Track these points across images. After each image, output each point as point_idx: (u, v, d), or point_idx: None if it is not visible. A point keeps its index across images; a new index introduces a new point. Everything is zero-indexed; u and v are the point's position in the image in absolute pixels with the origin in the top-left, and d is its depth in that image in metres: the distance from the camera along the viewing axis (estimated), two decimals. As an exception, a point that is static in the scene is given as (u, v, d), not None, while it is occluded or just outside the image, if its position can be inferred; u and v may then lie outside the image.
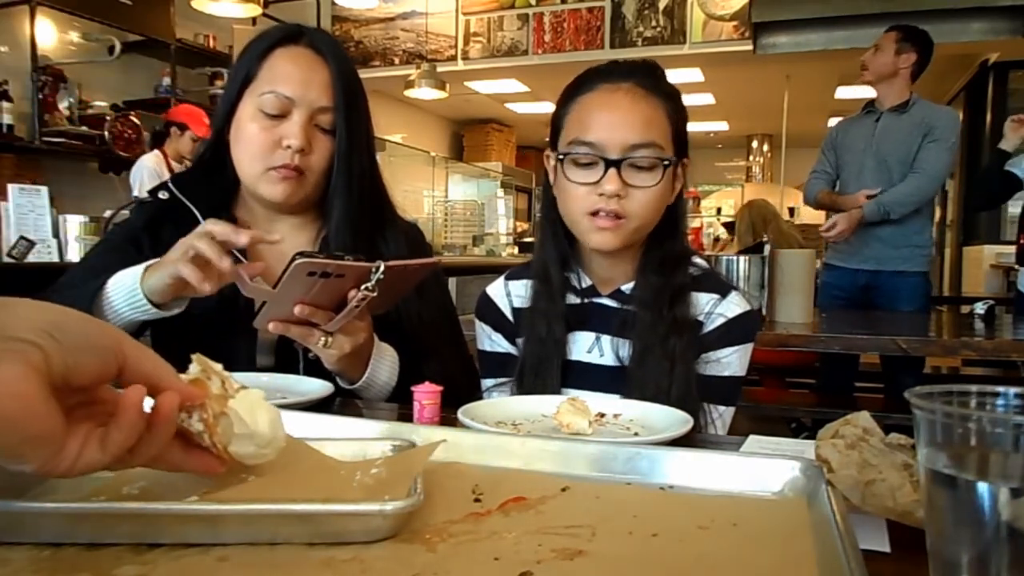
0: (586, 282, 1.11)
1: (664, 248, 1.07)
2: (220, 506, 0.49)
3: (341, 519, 0.49)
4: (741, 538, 0.51)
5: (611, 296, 1.09)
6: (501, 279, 1.19)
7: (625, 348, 1.05)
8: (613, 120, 1.00)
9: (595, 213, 1.00)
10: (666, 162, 1.00)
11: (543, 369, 1.06)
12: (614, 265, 1.09)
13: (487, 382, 1.16)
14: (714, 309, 1.05)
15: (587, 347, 1.08)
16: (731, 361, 1.05)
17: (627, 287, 1.09)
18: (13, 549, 0.46)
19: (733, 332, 1.05)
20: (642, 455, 0.63)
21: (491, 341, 1.16)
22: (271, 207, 1.15)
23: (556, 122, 1.08)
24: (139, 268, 0.95)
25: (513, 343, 1.14)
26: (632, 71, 1.03)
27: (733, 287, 1.09)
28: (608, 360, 1.07)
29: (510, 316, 1.15)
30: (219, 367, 0.54)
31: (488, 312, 1.17)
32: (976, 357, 2.68)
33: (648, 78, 1.03)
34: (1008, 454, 0.38)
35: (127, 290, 0.94)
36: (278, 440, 0.53)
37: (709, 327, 1.05)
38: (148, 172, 3.89)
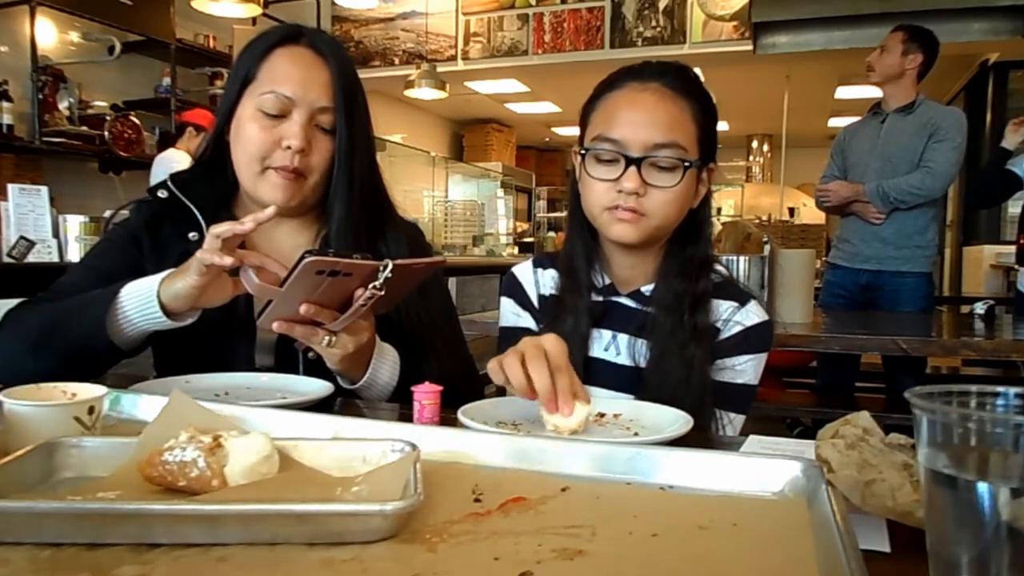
0: (606, 280, 1.11)
1: (686, 253, 1.07)
2: (220, 506, 0.50)
3: (341, 519, 0.49)
4: (741, 538, 0.51)
5: (630, 296, 1.10)
6: (528, 263, 1.19)
7: (641, 349, 1.05)
8: (637, 118, 1.00)
9: (614, 208, 1.01)
10: (687, 164, 1.00)
11: None
12: (635, 265, 1.09)
13: None
14: (732, 317, 1.05)
15: (604, 345, 1.09)
16: (745, 369, 1.05)
17: (647, 288, 1.09)
18: (13, 549, 0.46)
19: (750, 341, 1.05)
20: (642, 455, 0.63)
21: (517, 317, 1.17)
22: (271, 208, 1.15)
23: (583, 118, 1.08)
24: (155, 278, 0.95)
25: (538, 326, 1.14)
26: (663, 72, 1.03)
27: (752, 296, 1.09)
28: (624, 360, 1.07)
29: (536, 302, 1.16)
30: (208, 437, 0.57)
31: (516, 292, 1.18)
32: (976, 357, 2.68)
33: (678, 80, 1.03)
34: (1008, 454, 0.38)
35: (141, 299, 0.95)
36: (274, 457, 0.56)
37: (725, 334, 1.05)
38: (178, 166, 3.89)
